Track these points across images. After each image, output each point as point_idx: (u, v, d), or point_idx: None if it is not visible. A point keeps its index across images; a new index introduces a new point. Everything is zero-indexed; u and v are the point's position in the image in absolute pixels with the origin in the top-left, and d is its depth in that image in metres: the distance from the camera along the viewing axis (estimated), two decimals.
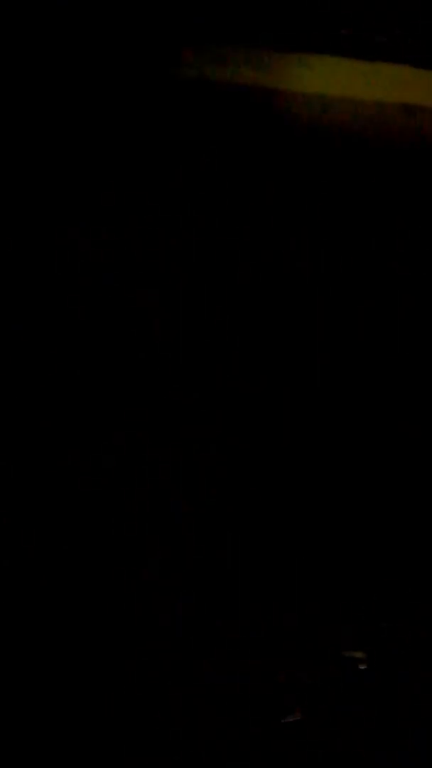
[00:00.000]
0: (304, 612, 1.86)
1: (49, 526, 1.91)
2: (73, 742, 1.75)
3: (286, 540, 1.91)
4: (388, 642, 1.84)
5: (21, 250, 2.09)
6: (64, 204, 2.03)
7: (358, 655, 1.80)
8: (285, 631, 1.84)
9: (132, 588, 1.87)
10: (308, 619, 1.85)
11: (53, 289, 2.09)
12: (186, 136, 2.03)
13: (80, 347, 2.04)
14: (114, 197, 2.03)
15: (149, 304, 2.08)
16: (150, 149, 2.04)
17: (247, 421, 2.00)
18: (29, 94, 1.96)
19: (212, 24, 2.08)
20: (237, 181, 2.04)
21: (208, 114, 2.03)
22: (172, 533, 1.90)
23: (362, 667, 1.78)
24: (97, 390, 2.01)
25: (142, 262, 2.09)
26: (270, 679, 1.81)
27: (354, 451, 1.99)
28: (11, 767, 1.72)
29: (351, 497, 1.94)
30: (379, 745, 1.76)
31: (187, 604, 1.85)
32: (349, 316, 2.07)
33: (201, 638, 1.83)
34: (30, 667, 1.81)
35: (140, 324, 2.07)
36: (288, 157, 2.05)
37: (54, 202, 2.03)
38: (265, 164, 2.05)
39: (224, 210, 2.06)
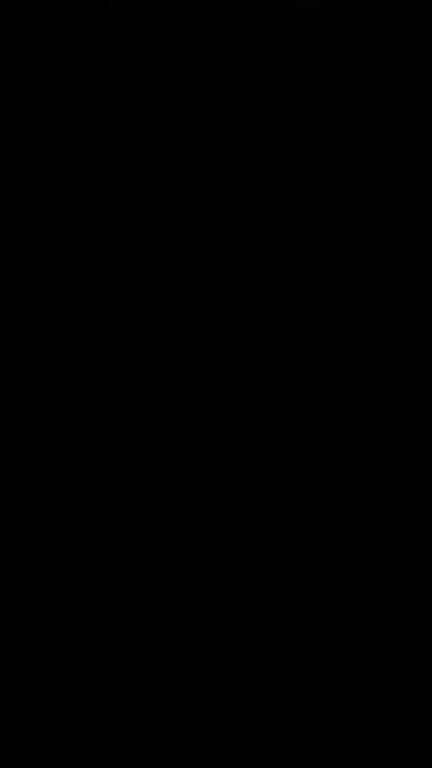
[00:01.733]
0: (304, 612, 1.85)
1: (49, 526, 1.91)
2: (73, 742, 1.75)
3: (286, 540, 1.91)
4: (388, 641, 1.84)
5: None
6: None
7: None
8: (285, 632, 1.84)
9: (132, 588, 1.87)
10: (308, 619, 1.85)
11: (53, 289, 2.08)
12: None
13: (80, 347, 2.04)
14: None
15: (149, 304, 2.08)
16: None
17: (247, 421, 2.00)
18: None
19: None
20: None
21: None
22: (172, 533, 1.90)
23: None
24: (97, 390, 2.01)
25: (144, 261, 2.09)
26: (271, 679, 1.81)
27: (355, 451, 1.99)
28: (11, 767, 1.72)
29: (352, 497, 1.94)
30: (378, 745, 1.76)
31: (187, 604, 1.85)
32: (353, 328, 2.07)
33: (201, 638, 1.82)
34: (30, 667, 1.81)
35: (140, 324, 2.07)
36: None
37: None
38: None
39: None
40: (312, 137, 2.13)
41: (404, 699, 1.80)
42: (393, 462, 1.98)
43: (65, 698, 1.78)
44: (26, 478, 1.94)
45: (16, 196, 2.11)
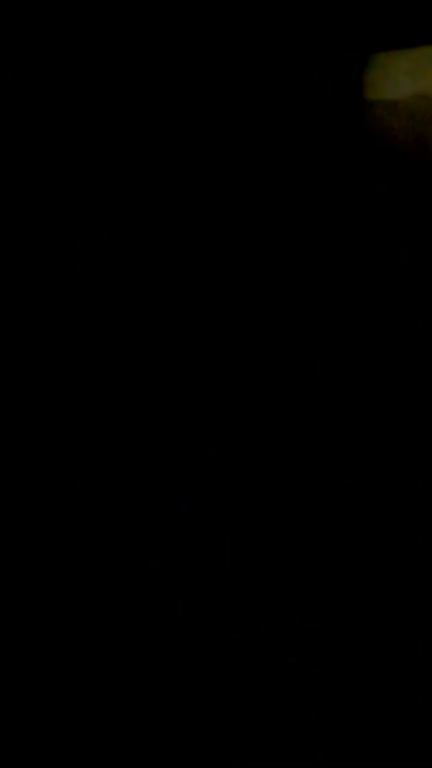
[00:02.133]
0: (304, 612, 1.86)
1: (49, 526, 1.91)
2: (73, 742, 1.75)
3: (286, 540, 1.91)
4: (388, 641, 1.84)
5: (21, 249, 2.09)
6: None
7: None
8: (285, 632, 1.84)
9: (132, 588, 1.87)
10: (308, 619, 1.85)
11: (53, 289, 2.09)
12: None
13: (80, 347, 2.05)
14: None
15: (149, 304, 2.08)
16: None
17: (247, 421, 2.00)
18: None
19: None
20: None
21: None
22: (172, 533, 1.91)
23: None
24: (96, 390, 2.02)
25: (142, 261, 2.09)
26: (271, 679, 1.81)
27: (355, 451, 1.99)
28: (11, 767, 1.72)
29: (352, 497, 1.95)
30: (378, 745, 1.76)
31: (187, 604, 1.85)
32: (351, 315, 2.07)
33: (201, 638, 1.83)
34: (29, 667, 1.81)
35: (140, 324, 2.07)
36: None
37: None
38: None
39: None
40: (312, 137, 2.13)
41: (404, 699, 1.80)
42: (393, 462, 1.98)
43: (64, 698, 1.78)
44: (26, 478, 1.94)
45: (15, 196, 2.11)
